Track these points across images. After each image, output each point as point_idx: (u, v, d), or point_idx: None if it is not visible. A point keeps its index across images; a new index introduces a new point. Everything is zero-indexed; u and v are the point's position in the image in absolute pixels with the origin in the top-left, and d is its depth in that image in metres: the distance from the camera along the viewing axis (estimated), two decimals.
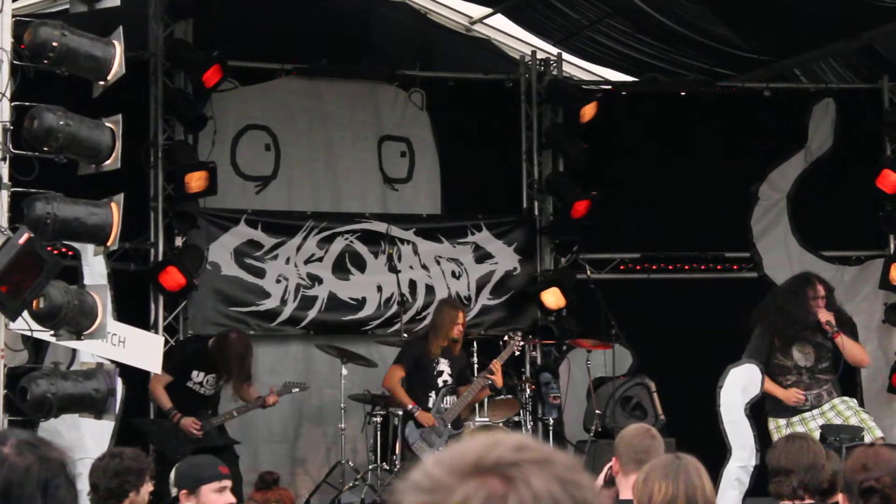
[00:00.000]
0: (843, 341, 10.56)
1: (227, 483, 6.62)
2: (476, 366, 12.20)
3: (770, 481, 6.42)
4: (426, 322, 13.42)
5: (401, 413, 11.84)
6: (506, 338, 12.30)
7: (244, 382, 11.70)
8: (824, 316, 10.56)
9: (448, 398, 11.77)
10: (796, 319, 10.54)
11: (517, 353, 12.35)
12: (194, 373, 11.57)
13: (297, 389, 12.25)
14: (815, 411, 10.53)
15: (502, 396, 12.12)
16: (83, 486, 7.00)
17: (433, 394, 11.76)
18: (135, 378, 10.23)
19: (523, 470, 1.80)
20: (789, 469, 6.21)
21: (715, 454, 8.93)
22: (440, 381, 11.79)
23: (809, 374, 10.61)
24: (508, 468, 1.80)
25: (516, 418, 12.20)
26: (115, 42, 7.52)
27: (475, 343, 12.41)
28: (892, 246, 14.24)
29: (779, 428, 10.37)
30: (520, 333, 12.45)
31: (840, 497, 4.70)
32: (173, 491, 6.67)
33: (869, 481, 4.38)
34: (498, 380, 11.86)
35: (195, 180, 12.35)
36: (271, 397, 11.80)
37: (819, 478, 6.23)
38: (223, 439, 11.62)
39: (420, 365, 11.79)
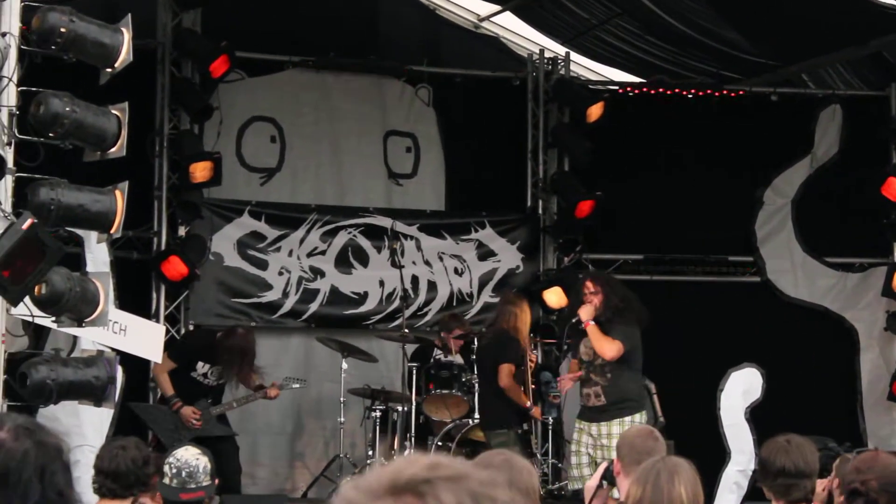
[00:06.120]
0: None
1: None
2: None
3: (777, 482, 6.11)
4: (428, 318, 13.41)
5: (400, 409, 11.80)
6: None
7: (248, 374, 11.68)
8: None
9: None
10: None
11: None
12: (199, 364, 11.55)
13: (296, 385, 12.29)
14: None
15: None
16: (80, 473, 6.99)
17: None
18: (134, 365, 10.21)
19: (435, 486, 1.84)
20: (809, 472, 6.07)
21: (714, 457, 8.92)
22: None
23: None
24: (421, 485, 1.84)
25: None
26: (124, 29, 7.51)
27: (476, 341, 12.34)
28: (895, 254, 14.21)
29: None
30: None
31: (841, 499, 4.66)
32: None
33: (855, 483, 4.34)
34: None
35: (200, 170, 12.36)
36: (272, 390, 11.78)
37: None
38: (222, 430, 11.61)
39: (521, 364, 11.59)
